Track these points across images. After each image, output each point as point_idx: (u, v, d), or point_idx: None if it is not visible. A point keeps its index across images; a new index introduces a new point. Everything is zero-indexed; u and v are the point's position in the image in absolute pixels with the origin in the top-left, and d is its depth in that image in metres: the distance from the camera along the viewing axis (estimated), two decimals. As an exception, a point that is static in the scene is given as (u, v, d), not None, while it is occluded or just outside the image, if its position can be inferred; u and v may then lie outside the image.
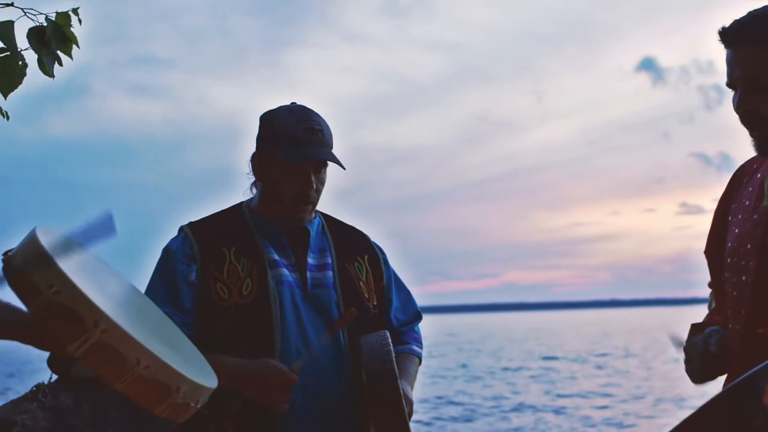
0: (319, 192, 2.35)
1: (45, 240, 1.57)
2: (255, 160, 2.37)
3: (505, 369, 29.56)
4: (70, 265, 1.57)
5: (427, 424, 16.56)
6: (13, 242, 1.71)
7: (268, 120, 2.35)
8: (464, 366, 31.95)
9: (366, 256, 2.47)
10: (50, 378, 4.49)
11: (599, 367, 29.82)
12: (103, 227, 1.60)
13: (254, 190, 2.43)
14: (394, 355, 2.17)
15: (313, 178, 2.30)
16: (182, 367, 1.61)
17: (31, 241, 1.58)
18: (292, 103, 2.38)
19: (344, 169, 2.30)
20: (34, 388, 4.45)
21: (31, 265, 1.52)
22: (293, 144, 2.25)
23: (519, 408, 18.81)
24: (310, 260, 2.36)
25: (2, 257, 1.63)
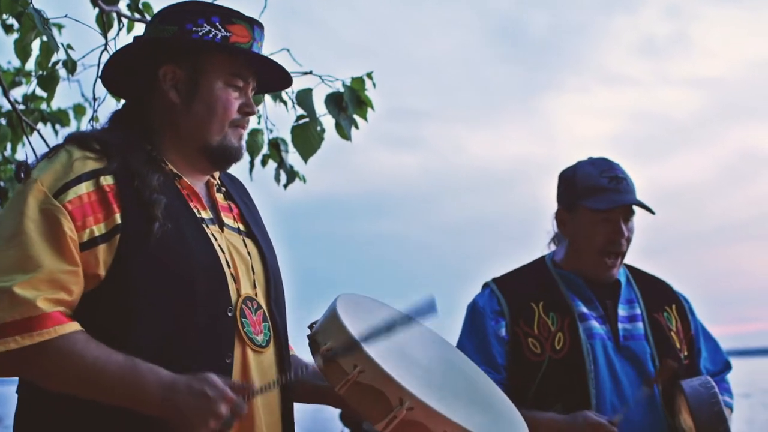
0: (629, 241, 2.32)
1: (347, 318, 1.58)
2: (559, 215, 2.39)
3: None
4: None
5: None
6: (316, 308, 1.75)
7: (570, 176, 2.37)
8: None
9: (673, 306, 2.44)
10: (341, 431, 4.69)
11: None
12: (426, 310, 1.58)
13: (553, 246, 2.45)
14: (720, 397, 2.12)
15: (623, 226, 2.27)
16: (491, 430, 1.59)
17: (333, 318, 1.60)
18: (588, 157, 2.39)
19: (653, 213, 2.27)
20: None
21: (339, 351, 1.53)
22: (600, 193, 2.26)
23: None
24: (621, 312, 2.34)
25: (309, 329, 1.66)
